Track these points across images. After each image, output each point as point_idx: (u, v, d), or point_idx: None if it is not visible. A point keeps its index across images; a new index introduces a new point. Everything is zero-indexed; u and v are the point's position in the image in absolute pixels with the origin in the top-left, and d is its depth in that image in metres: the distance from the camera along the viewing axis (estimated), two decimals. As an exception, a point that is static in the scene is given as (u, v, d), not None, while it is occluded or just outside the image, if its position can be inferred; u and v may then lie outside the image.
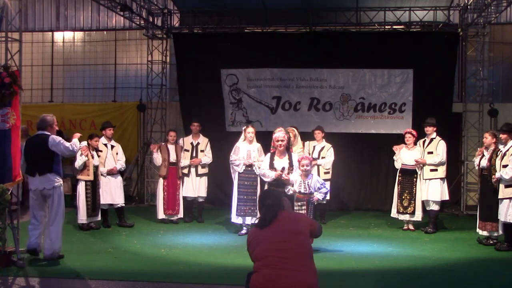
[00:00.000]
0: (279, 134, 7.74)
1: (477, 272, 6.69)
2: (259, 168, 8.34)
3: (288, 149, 7.82)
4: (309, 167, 7.46)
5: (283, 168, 7.50)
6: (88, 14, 14.02)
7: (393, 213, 9.39)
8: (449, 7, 11.80)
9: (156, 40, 12.84)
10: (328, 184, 8.35)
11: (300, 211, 7.31)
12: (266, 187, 7.80)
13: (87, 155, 8.75)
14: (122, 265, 6.74)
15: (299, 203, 7.38)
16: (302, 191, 7.39)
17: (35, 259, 6.83)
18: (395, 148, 9.45)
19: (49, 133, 6.84)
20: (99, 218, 9.06)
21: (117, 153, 9.47)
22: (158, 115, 12.93)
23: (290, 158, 7.66)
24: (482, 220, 8.21)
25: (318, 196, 7.36)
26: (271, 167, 7.65)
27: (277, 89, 11.89)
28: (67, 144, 6.76)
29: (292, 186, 7.46)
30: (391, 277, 6.37)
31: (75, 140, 6.92)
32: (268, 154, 7.91)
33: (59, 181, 6.86)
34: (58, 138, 6.78)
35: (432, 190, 9.11)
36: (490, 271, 6.77)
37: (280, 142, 7.65)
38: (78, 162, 8.72)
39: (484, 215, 8.20)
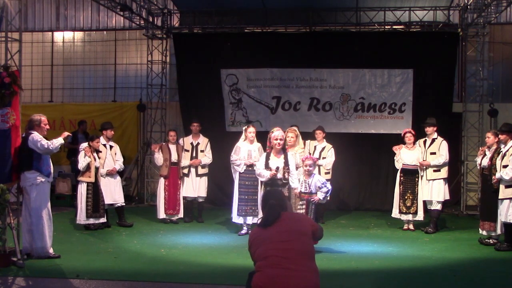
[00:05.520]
0: (278, 133, 7.73)
1: (477, 272, 6.68)
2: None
3: (284, 148, 7.80)
4: (312, 167, 7.49)
5: (277, 168, 7.50)
6: (88, 14, 14.03)
7: (395, 214, 9.36)
8: (449, 7, 11.81)
9: (156, 40, 12.84)
10: (329, 183, 8.34)
11: (301, 210, 7.33)
12: (263, 187, 7.80)
13: (90, 156, 8.73)
14: (122, 265, 6.73)
15: (300, 202, 7.41)
16: (303, 190, 7.42)
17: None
18: (395, 148, 9.44)
19: (33, 132, 6.82)
20: (104, 219, 9.00)
21: (115, 154, 9.46)
22: (158, 115, 12.93)
23: (285, 158, 7.65)
24: (481, 220, 8.23)
25: (319, 195, 7.37)
26: (267, 166, 7.64)
27: (277, 89, 11.90)
28: (44, 142, 6.74)
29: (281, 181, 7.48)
30: (391, 277, 6.37)
31: (59, 139, 6.89)
32: (264, 154, 7.91)
33: (39, 179, 6.79)
34: (37, 137, 6.77)
35: (435, 190, 9.12)
36: (490, 271, 6.76)
37: (278, 141, 7.64)
38: (82, 164, 8.70)
39: (483, 215, 8.23)
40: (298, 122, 11.22)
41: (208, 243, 8.15)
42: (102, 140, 9.33)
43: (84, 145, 8.94)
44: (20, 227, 6.89)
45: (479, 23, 11.32)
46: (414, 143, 9.35)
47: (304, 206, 7.40)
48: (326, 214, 10.33)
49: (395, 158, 9.43)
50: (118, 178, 9.51)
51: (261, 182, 7.93)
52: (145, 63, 13.04)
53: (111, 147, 9.41)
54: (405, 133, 9.41)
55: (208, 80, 12.05)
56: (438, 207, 9.20)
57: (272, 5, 11.85)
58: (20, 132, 6.90)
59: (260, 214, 7.67)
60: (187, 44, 12.32)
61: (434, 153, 9.18)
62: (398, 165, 9.35)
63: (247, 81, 12.01)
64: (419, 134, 9.54)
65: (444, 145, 9.21)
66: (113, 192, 9.27)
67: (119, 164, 9.44)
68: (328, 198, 7.81)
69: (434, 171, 9.15)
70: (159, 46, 12.85)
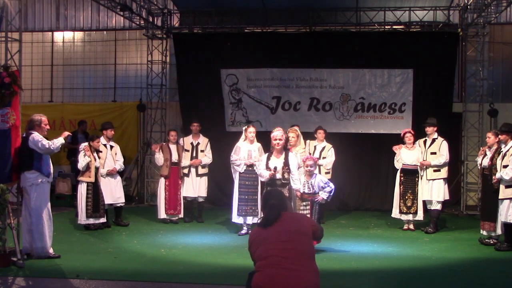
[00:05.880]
0: (277, 133, 7.69)
1: (477, 272, 6.68)
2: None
3: (286, 148, 7.79)
4: (313, 168, 7.48)
5: (275, 168, 7.49)
6: (88, 14, 14.03)
7: (395, 214, 9.36)
8: (449, 7, 11.81)
9: (156, 40, 12.84)
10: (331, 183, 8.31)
11: (305, 211, 7.34)
12: (265, 187, 7.81)
13: (89, 156, 8.73)
14: (122, 265, 6.73)
15: (304, 203, 7.42)
16: (306, 191, 7.41)
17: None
18: (394, 148, 9.44)
19: (34, 132, 6.82)
20: (104, 219, 9.00)
21: (116, 154, 9.46)
22: (158, 115, 12.93)
23: (286, 158, 7.63)
24: (482, 220, 8.24)
25: (322, 195, 7.37)
26: (267, 167, 7.64)
27: (277, 89, 11.90)
28: (45, 142, 6.74)
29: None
30: (391, 277, 6.37)
31: (60, 139, 6.89)
32: (266, 154, 7.90)
33: (39, 179, 6.78)
34: (38, 137, 6.77)
35: (435, 190, 9.13)
36: (490, 271, 6.76)
37: (278, 141, 7.62)
38: (81, 164, 8.70)
39: (483, 215, 8.24)
40: (298, 122, 11.21)
41: (208, 243, 8.15)
42: (103, 140, 9.33)
43: (84, 144, 8.94)
44: (20, 227, 6.89)
45: (479, 23, 11.32)
46: (413, 143, 9.35)
47: (308, 207, 7.40)
48: (326, 214, 10.32)
49: (395, 158, 9.43)
50: (119, 178, 9.51)
51: (262, 182, 7.94)
52: (145, 63, 13.03)
53: (111, 147, 9.41)
54: (404, 133, 9.41)
55: (208, 80, 12.05)
56: (438, 207, 9.20)
57: (272, 5, 11.86)
58: (20, 132, 6.90)
59: (260, 214, 7.71)
60: (187, 44, 12.32)
61: (435, 153, 9.18)
62: (398, 165, 9.35)
63: (247, 81, 12.01)
64: (419, 134, 9.54)
65: (445, 145, 9.22)
66: (113, 192, 9.28)
67: (119, 164, 9.44)
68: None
69: (434, 171, 9.16)
70: (159, 46, 12.85)
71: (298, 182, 7.53)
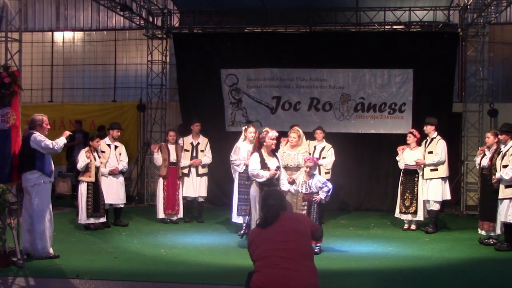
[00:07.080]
0: (273, 133, 7.51)
1: (477, 272, 6.69)
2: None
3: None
4: (313, 169, 7.47)
5: (278, 167, 7.40)
6: (88, 14, 14.04)
7: (396, 213, 9.42)
8: (449, 7, 11.81)
9: (156, 40, 12.84)
10: (329, 183, 8.29)
11: (303, 211, 7.33)
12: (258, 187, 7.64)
13: (88, 157, 8.74)
14: (122, 265, 6.74)
15: (303, 203, 7.42)
16: (304, 191, 7.41)
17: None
18: (399, 148, 9.46)
19: (35, 132, 6.82)
20: (104, 219, 9.00)
21: (120, 154, 9.46)
22: (158, 115, 12.94)
23: (277, 157, 7.59)
24: (480, 220, 8.24)
25: (321, 195, 7.36)
26: (264, 167, 7.38)
27: (277, 89, 11.89)
28: (48, 142, 6.74)
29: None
30: (391, 277, 6.37)
31: (62, 138, 6.90)
32: (256, 154, 7.48)
33: (41, 179, 6.78)
34: (40, 137, 6.77)
35: (432, 189, 9.12)
36: (490, 271, 6.77)
37: (275, 141, 7.53)
38: (81, 164, 8.71)
39: (482, 215, 8.23)
40: (298, 122, 11.16)
41: (208, 243, 8.15)
42: (108, 140, 9.36)
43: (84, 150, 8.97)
44: (20, 227, 6.90)
45: (479, 23, 11.32)
46: (418, 143, 9.34)
47: (305, 207, 7.41)
48: (326, 214, 10.30)
49: (396, 158, 9.44)
50: (121, 178, 9.50)
51: (258, 182, 7.77)
52: (145, 63, 13.04)
53: (116, 147, 9.42)
54: (408, 133, 9.44)
55: (208, 80, 12.05)
56: (435, 207, 9.18)
57: (272, 5, 11.85)
58: (20, 132, 6.90)
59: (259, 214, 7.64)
60: (187, 44, 12.33)
61: (431, 152, 9.17)
62: (401, 165, 9.37)
63: (247, 81, 12.01)
64: (421, 134, 9.52)
65: (441, 144, 9.18)
66: (115, 193, 9.28)
67: (122, 164, 9.44)
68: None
69: (431, 170, 9.13)
70: (159, 46, 12.85)
71: (286, 183, 7.46)
